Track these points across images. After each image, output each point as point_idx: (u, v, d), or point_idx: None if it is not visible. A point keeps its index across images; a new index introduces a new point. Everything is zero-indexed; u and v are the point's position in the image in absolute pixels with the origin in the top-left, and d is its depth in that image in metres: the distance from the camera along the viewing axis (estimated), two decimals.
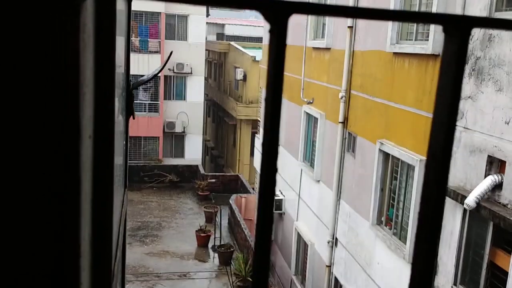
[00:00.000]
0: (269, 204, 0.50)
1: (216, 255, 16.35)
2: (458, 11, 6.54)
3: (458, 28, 0.47)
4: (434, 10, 7.11)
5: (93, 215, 0.60)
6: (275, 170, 0.49)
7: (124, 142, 1.52)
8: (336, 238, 10.63)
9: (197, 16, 25.79)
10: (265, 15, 0.44)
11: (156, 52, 24.88)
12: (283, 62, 0.45)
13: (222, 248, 16.18)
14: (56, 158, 0.43)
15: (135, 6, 23.89)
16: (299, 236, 12.89)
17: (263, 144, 0.46)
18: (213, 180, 22.36)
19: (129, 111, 1.49)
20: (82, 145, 0.45)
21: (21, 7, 0.40)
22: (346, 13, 0.44)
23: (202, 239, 17.12)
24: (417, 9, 7.86)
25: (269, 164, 0.44)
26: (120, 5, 1.20)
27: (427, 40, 7.42)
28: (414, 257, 0.50)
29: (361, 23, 9.68)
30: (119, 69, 1.21)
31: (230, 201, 18.80)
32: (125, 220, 1.54)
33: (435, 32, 7.08)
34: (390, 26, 8.35)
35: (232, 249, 16.25)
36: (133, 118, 1.56)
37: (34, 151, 0.43)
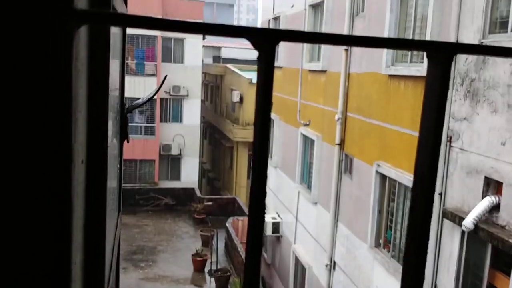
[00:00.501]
0: (258, 226, 0.51)
1: (213, 279, 16.14)
2: (452, 34, 6.65)
3: (441, 54, 0.48)
4: (428, 32, 7.22)
5: (86, 239, 0.60)
6: (264, 193, 0.50)
7: (118, 166, 1.52)
8: (334, 261, 10.53)
9: (193, 39, 26.06)
10: (253, 42, 0.45)
11: (152, 75, 25.04)
12: (271, 88, 0.46)
13: (219, 273, 15.98)
14: (47, 183, 0.43)
15: (131, 30, 24.19)
16: (296, 260, 12.77)
17: (253, 169, 0.47)
18: (210, 203, 22.23)
19: (123, 135, 1.50)
20: (74, 170, 0.46)
21: (13, 34, 0.40)
22: (332, 40, 0.46)
23: (199, 264, 16.92)
24: (411, 32, 7.99)
25: (259, 188, 0.45)
26: (115, 28, 1.22)
27: (422, 62, 7.52)
28: (403, 274, 0.50)
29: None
30: (114, 92, 1.23)
31: (227, 224, 18.67)
32: (119, 244, 1.53)
33: None
34: (385, 49, 8.47)
35: (229, 274, 16.05)
36: (127, 141, 1.56)
37: (26, 176, 0.43)
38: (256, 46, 0.46)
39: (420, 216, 0.49)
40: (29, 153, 0.43)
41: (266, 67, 0.46)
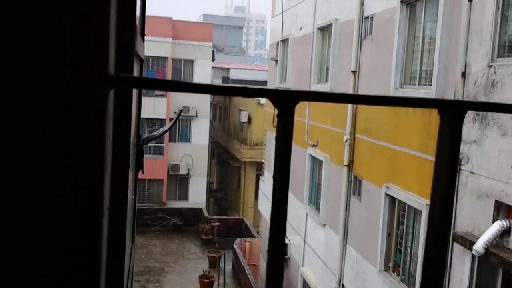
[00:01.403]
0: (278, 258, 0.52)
1: None
2: (460, 57, 6.67)
3: (452, 112, 0.50)
4: (436, 55, 7.24)
5: (107, 278, 0.62)
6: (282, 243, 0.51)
7: (133, 197, 1.55)
8: (343, 285, 10.40)
9: (202, 60, 26.35)
10: (274, 102, 0.48)
11: (162, 95, 25.28)
12: (290, 144, 0.49)
13: None
14: (78, 230, 0.45)
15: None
16: (305, 282, 12.62)
17: (271, 224, 0.49)
18: (217, 224, 22.14)
19: (139, 166, 1.53)
20: (103, 223, 0.48)
21: (57, 99, 0.43)
22: (347, 99, 0.48)
23: (206, 285, 16.77)
24: (419, 55, 8.02)
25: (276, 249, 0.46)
26: (136, 69, 1.26)
27: (430, 84, 7.53)
28: None
29: (364, 68, 9.86)
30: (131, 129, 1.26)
31: (234, 246, 18.54)
32: (132, 275, 1.54)
33: (438, 77, 7.19)
34: (393, 71, 8.51)
35: None
36: (142, 172, 1.59)
37: (61, 220, 0.45)
38: (276, 105, 0.48)
39: (434, 274, 0.50)
40: (64, 207, 0.46)
41: (285, 124, 0.48)
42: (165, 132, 2.51)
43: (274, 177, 0.51)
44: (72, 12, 0.43)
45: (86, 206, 0.47)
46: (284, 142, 0.49)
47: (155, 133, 2.17)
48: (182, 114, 25.91)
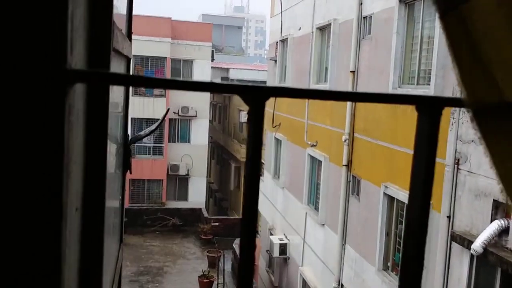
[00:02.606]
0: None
1: None
2: None
3: (430, 108, 0.49)
4: (435, 54, 7.22)
5: (81, 282, 0.61)
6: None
7: (120, 197, 1.54)
8: (342, 284, 10.39)
9: (202, 60, 26.34)
10: (244, 99, 0.46)
11: (161, 96, 25.26)
12: (261, 139, 0.47)
13: None
14: (38, 232, 0.44)
15: (141, 51, 24.45)
16: (304, 282, 12.61)
17: (242, 219, 0.48)
18: (217, 224, 22.14)
19: (126, 166, 1.52)
20: (66, 218, 0.47)
21: (10, 93, 0.42)
22: (320, 96, 0.46)
23: (205, 285, 16.77)
24: (418, 54, 8.01)
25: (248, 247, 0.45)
26: (119, 68, 1.25)
27: (429, 84, 7.52)
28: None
29: (363, 67, 9.85)
30: (116, 129, 1.25)
31: (234, 246, 18.54)
32: (120, 276, 1.52)
33: (437, 76, 7.18)
34: (392, 70, 8.50)
35: None
36: (130, 173, 1.58)
37: (16, 227, 0.44)
38: (247, 101, 0.47)
39: (412, 271, 0.49)
40: (21, 201, 0.44)
41: (256, 120, 0.47)
42: (152, 131, 2.50)
43: (245, 170, 0.50)
44: (27, 7, 0.42)
45: (43, 207, 0.46)
46: (255, 137, 0.48)
47: (142, 132, 2.17)
48: (182, 114, 25.91)
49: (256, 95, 0.45)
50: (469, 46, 0.46)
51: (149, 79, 0.42)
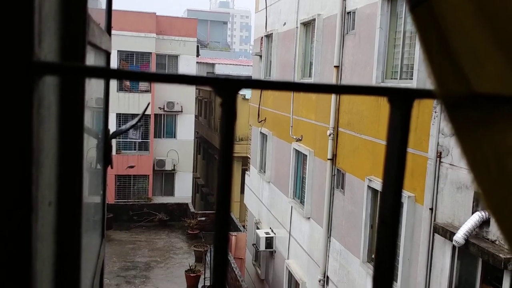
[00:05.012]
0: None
1: None
2: None
3: (401, 100, 0.50)
4: (417, 49, 7.30)
5: (57, 282, 0.60)
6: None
7: (102, 192, 1.52)
8: (327, 276, 10.48)
9: (187, 56, 26.20)
10: (215, 90, 0.47)
11: (146, 91, 25.08)
12: (233, 130, 0.48)
13: None
14: (6, 233, 0.44)
15: (126, 46, 24.24)
16: (290, 275, 12.69)
17: (216, 209, 0.48)
18: (203, 218, 22.12)
19: (107, 161, 1.50)
20: (37, 211, 0.46)
21: None
22: (289, 87, 0.47)
23: (192, 280, 16.77)
24: (400, 49, 8.08)
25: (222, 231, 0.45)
26: (98, 62, 1.23)
27: (411, 79, 7.60)
28: (374, 275, 0.51)
29: (347, 62, 9.90)
30: (95, 124, 1.24)
31: None
32: (102, 271, 1.52)
33: (419, 71, 7.25)
34: (375, 65, 8.55)
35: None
36: (111, 167, 1.57)
37: None
38: (218, 93, 0.47)
39: (385, 263, 0.49)
40: None
41: (228, 111, 0.47)
42: (133, 126, 2.50)
43: (218, 163, 0.50)
44: None
45: (11, 200, 0.45)
46: (227, 129, 0.48)
47: (123, 127, 2.15)
48: (167, 109, 25.76)
49: (227, 87, 0.45)
50: (438, 38, 0.47)
51: (118, 71, 0.42)
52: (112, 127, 1.63)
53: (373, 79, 8.58)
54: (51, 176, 0.55)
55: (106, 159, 1.47)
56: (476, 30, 0.45)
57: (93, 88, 1.17)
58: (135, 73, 0.41)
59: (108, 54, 1.56)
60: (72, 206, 0.61)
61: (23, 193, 0.43)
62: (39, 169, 0.47)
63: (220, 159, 0.48)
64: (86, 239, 1.02)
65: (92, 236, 1.12)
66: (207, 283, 16.56)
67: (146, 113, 24.51)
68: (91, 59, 1.06)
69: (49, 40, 0.49)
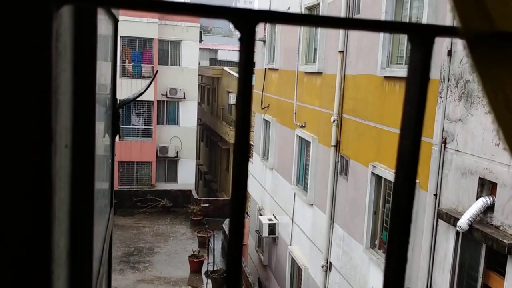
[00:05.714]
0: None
1: (210, 281, 16.12)
2: (448, 18, 6.65)
3: (422, 37, 0.49)
4: (425, 15, 7.19)
5: (72, 222, 0.60)
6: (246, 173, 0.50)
7: (110, 160, 1.52)
8: (330, 262, 10.53)
9: (190, 41, 26.08)
10: (234, 23, 0.46)
11: (149, 77, 25.02)
12: (251, 67, 0.47)
13: (216, 274, 15.96)
14: (26, 165, 0.43)
15: (128, 32, 24.15)
16: (293, 261, 12.76)
17: (234, 151, 0.47)
18: (206, 205, 22.22)
19: (115, 130, 1.50)
20: (55, 153, 0.46)
21: None
22: (310, 21, 0.46)
23: (195, 265, 16.90)
24: (408, 15, 7.99)
25: (241, 163, 0.45)
26: (107, 29, 1.22)
27: None
28: (387, 259, 0.51)
29: (352, 48, 9.83)
30: (105, 88, 1.23)
31: (224, 226, 18.65)
32: (111, 238, 1.52)
33: None
34: (380, 51, 8.49)
35: (225, 275, 16.03)
36: (120, 138, 1.57)
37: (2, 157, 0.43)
38: (237, 26, 0.46)
39: (403, 202, 0.49)
40: (6, 134, 0.44)
41: (247, 46, 0.46)
42: (140, 94, 2.50)
43: (236, 106, 0.49)
44: None
45: (34, 140, 0.45)
46: (246, 69, 0.47)
47: (131, 96, 2.15)
48: (170, 96, 25.72)
49: (246, 19, 0.44)
50: None
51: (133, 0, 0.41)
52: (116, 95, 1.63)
53: (378, 65, 8.53)
54: (67, 118, 0.54)
55: (114, 128, 1.47)
56: None
57: (102, 70, 1.16)
58: (154, 2, 0.40)
59: (116, 21, 1.55)
60: (86, 151, 0.61)
61: (42, 123, 0.43)
62: (57, 103, 0.46)
63: (238, 96, 0.47)
64: (97, 205, 1.02)
65: (101, 198, 1.12)
66: (210, 268, 16.68)
67: (148, 99, 24.48)
68: (102, 26, 1.05)
69: None
